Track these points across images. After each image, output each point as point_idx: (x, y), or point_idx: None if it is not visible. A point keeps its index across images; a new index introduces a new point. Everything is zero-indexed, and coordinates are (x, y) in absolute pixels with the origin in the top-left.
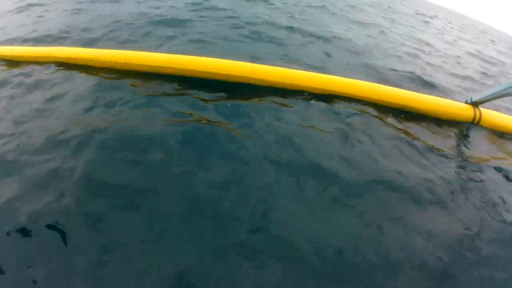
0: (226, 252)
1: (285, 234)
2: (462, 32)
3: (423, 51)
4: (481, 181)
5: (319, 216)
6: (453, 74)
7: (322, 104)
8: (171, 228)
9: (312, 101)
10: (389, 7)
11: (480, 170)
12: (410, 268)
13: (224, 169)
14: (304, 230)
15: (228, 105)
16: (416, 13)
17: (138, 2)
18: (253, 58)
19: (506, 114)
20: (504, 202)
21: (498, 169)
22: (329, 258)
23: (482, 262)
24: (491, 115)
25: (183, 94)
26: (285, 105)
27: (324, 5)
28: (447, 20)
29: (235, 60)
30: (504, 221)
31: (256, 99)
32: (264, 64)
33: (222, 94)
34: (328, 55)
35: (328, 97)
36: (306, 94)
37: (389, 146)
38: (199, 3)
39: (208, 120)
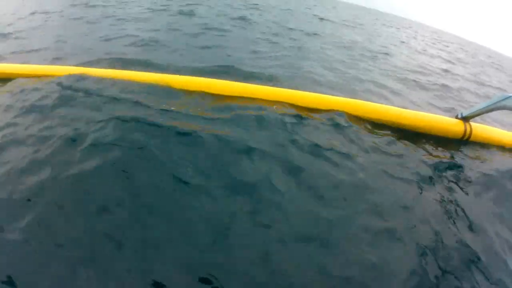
0: None
1: None
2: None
3: None
4: (471, 195)
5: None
6: None
7: (313, 120)
8: None
9: (308, 118)
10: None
11: (470, 185)
12: None
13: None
14: None
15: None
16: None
17: None
18: None
19: (496, 127)
20: (494, 219)
21: (487, 183)
22: None
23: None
24: (481, 129)
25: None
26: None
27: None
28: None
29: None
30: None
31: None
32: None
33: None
34: (322, 75)
35: (315, 113)
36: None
37: (378, 163)
38: None
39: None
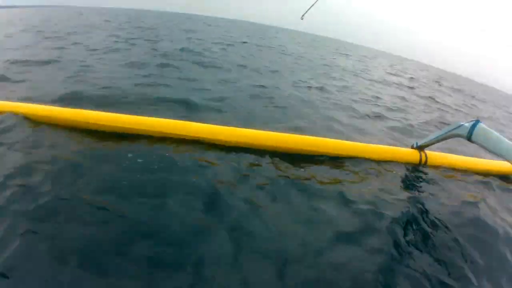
0: None
1: None
2: None
3: None
4: (427, 220)
5: None
6: None
7: (274, 159)
8: None
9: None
10: None
11: (427, 211)
12: None
13: None
14: None
15: None
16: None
17: None
18: None
19: (449, 153)
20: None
21: (443, 206)
22: None
23: None
24: (436, 156)
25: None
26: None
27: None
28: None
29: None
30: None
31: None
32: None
33: None
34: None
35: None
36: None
37: (336, 196)
38: None
39: None
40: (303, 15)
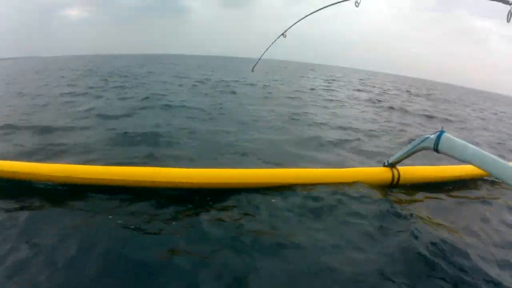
0: None
1: None
2: None
3: None
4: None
5: None
6: None
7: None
8: None
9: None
10: None
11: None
12: None
13: None
14: None
15: None
16: None
17: None
18: None
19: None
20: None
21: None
22: None
23: None
24: (409, 170)
25: None
26: None
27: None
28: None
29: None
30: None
31: None
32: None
33: None
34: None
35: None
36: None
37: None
38: None
39: None
40: (253, 68)
